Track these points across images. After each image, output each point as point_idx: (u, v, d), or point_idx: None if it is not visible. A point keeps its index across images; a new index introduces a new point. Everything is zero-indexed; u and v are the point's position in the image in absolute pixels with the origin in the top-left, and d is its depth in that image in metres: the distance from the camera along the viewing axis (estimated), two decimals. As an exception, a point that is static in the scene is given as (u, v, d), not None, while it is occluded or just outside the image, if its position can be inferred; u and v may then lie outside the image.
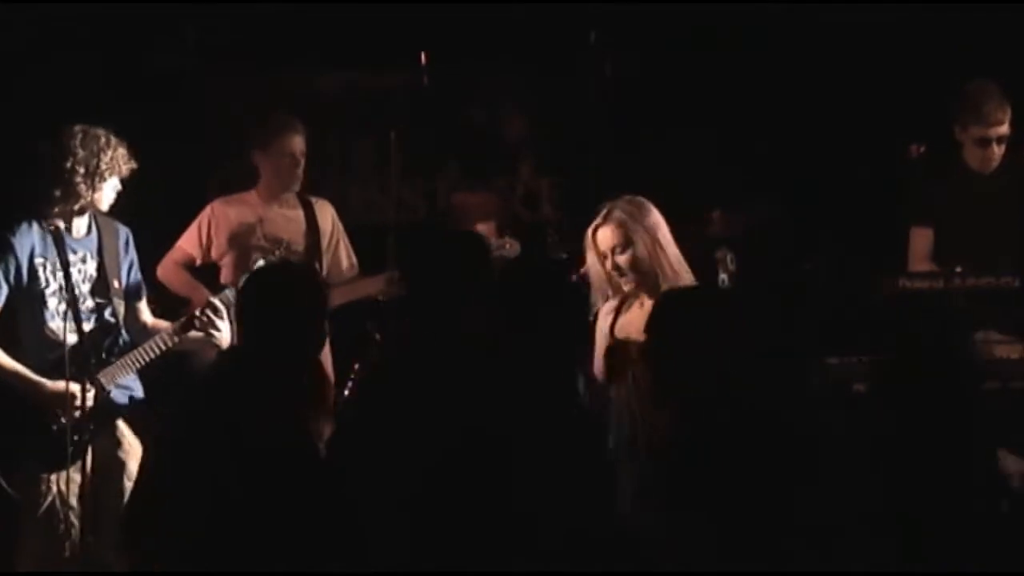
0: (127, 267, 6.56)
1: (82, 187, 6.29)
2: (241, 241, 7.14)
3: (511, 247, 7.14)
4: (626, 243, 5.92)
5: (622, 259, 5.92)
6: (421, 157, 8.25)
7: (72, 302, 6.25)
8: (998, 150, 6.67)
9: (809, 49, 7.97)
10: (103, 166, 6.30)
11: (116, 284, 6.49)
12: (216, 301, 6.45)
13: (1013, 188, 6.71)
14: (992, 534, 4.66)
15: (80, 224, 6.43)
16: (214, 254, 7.25)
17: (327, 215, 7.30)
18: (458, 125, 8.49)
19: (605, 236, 5.95)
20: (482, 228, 7.60)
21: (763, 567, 4.50)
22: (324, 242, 7.20)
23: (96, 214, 6.44)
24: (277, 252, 6.98)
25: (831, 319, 6.86)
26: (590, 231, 5.98)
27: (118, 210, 6.54)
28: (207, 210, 7.23)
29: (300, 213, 7.21)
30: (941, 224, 6.75)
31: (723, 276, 6.20)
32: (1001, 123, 6.64)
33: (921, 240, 6.79)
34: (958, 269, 6.43)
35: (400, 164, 7.60)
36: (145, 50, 8.14)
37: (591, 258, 5.98)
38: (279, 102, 7.77)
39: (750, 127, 7.93)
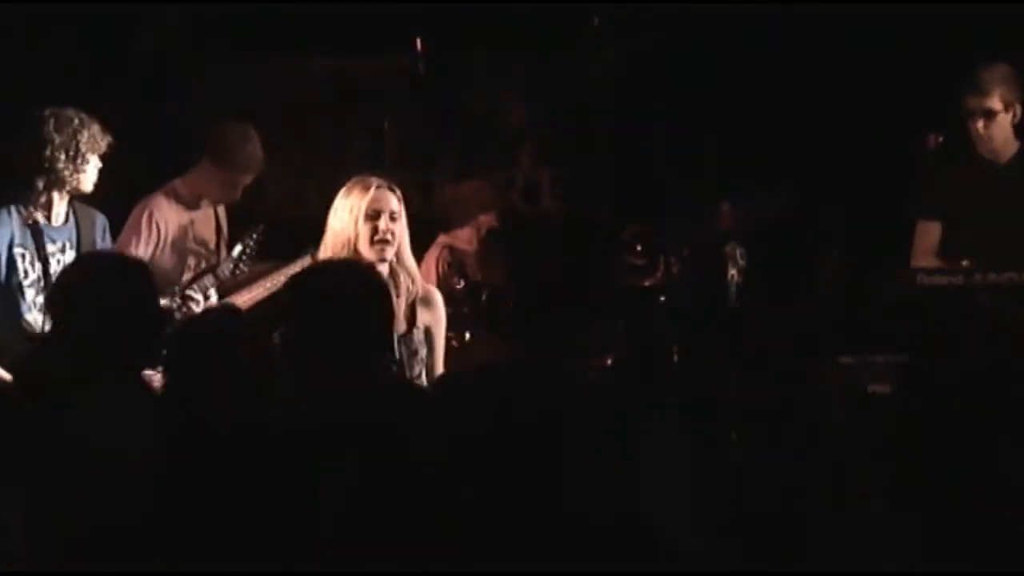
0: None
1: (67, 172, 6.15)
2: (179, 244, 6.84)
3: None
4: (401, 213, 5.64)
5: (395, 227, 5.60)
6: (416, 147, 8.12)
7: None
8: (987, 126, 6.45)
9: (821, 36, 7.84)
10: (83, 147, 6.18)
11: None
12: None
13: None
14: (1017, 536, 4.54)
15: (59, 213, 6.30)
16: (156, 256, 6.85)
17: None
18: (455, 114, 8.36)
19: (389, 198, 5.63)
20: (484, 219, 7.42)
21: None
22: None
23: (73, 203, 6.29)
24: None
25: (844, 317, 6.71)
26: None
27: (103, 199, 6.36)
28: (148, 211, 6.80)
29: (211, 210, 6.95)
30: (951, 216, 6.57)
31: (733, 271, 6.12)
32: (988, 94, 6.43)
33: (925, 234, 6.62)
34: (965, 263, 6.27)
35: (394, 154, 7.47)
36: (132, 36, 7.98)
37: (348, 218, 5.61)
38: (266, 92, 7.62)
39: (759, 117, 7.80)
